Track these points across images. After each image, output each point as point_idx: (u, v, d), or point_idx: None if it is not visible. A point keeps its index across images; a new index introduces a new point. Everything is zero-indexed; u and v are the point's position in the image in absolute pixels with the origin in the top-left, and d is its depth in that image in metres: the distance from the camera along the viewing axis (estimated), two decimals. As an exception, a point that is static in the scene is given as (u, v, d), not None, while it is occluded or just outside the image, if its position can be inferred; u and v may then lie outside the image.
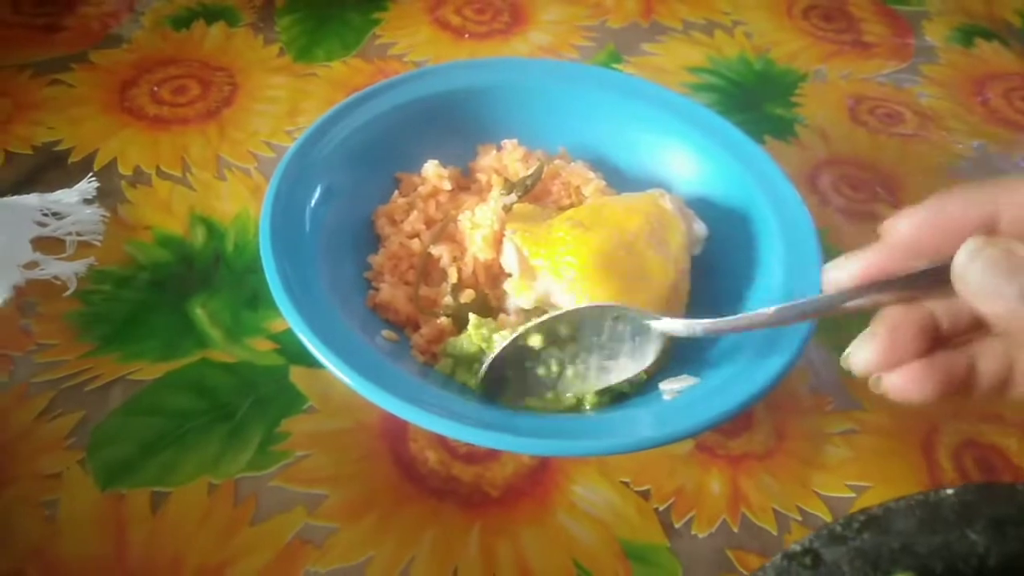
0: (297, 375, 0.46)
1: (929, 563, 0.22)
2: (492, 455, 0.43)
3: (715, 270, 0.48)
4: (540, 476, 0.43)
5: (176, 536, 0.39)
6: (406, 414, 0.37)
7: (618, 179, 0.52)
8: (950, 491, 0.23)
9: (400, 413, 0.37)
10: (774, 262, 0.46)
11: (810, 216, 0.47)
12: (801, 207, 0.47)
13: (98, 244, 0.51)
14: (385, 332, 0.44)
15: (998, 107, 0.67)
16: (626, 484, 0.42)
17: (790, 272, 0.44)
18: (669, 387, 0.41)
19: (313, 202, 0.47)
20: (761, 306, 0.38)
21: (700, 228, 0.48)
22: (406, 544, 0.40)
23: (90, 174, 0.54)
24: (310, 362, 0.45)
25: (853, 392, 0.47)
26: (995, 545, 0.22)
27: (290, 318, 0.40)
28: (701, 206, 0.50)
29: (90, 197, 0.53)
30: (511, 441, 0.37)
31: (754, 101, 0.65)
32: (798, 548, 0.21)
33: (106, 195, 0.54)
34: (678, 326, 0.38)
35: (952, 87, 0.68)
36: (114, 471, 0.41)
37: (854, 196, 0.58)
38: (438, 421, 0.37)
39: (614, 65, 0.66)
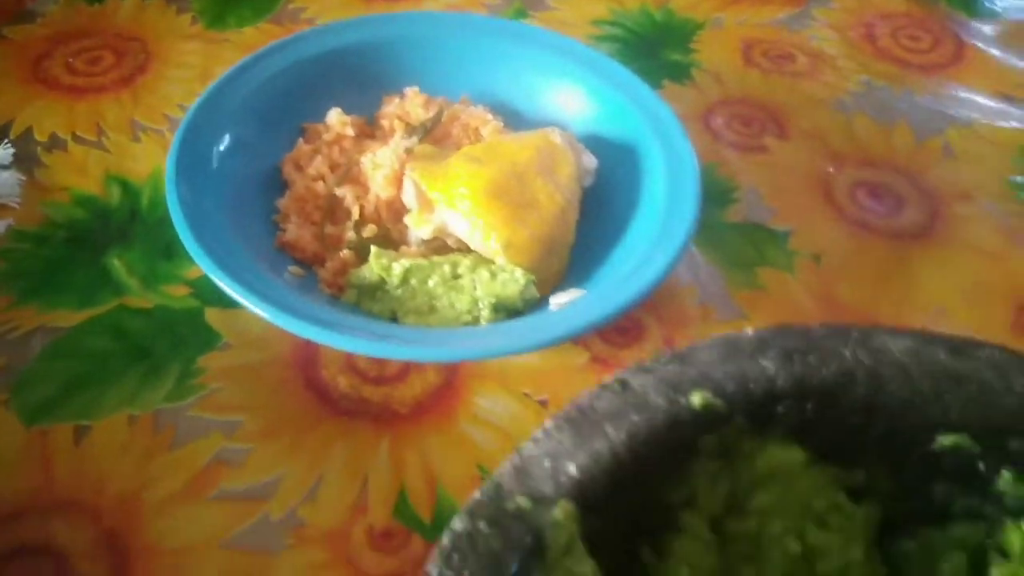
0: (212, 316, 0.49)
1: (724, 384, 0.25)
2: (400, 377, 0.47)
3: (606, 199, 0.52)
4: (445, 392, 0.46)
5: (99, 465, 0.42)
6: (317, 337, 0.41)
7: (516, 121, 0.55)
8: (749, 331, 0.27)
9: (311, 336, 0.41)
10: (658, 191, 0.49)
11: (692, 149, 0.51)
12: (685, 140, 0.51)
13: (15, 206, 0.53)
14: (292, 268, 0.47)
15: (886, 45, 0.72)
16: (527, 395, 0.46)
17: (671, 199, 0.48)
18: (557, 300, 0.45)
19: (219, 153, 0.50)
20: (642, 230, 0.42)
21: (589, 161, 0.51)
22: (318, 459, 0.43)
23: (5, 140, 0.56)
24: (224, 303, 0.48)
25: (737, 303, 0.51)
26: (783, 369, 0.26)
27: (199, 260, 0.43)
28: (594, 142, 0.53)
29: (6, 163, 0.55)
30: (413, 352, 0.41)
31: (654, 49, 0.69)
32: (610, 379, 0.25)
33: (22, 160, 0.56)
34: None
35: (843, 29, 0.73)
36: (37, 409, 0.44)
37: (745, 131, 0.63)
38: (347, 340, 0.41)
39: (520, 20, 0.69)
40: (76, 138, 0.58)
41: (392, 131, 0.53)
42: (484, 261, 0.46)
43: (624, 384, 0.25)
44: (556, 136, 0.51)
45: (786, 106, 0.65)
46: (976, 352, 0.27)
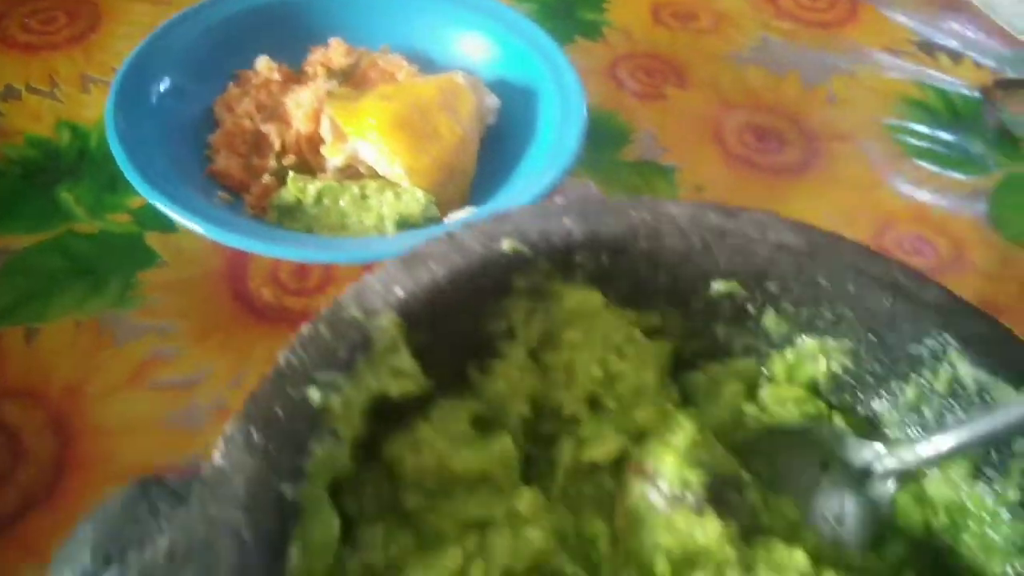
0: (151, 239, 0.55)
1: (530, 235, 0.32)
2: (319, 288, 0.54)
3: (507, 135, 0.59)
4: (355, 300, 0.53)
5: (47, 360, 0.49)
6: (246, 246, 0.48)
7: (431, 68, 0.62)
8: (559, 199, 0.34)
9: (241, 246, 0.48)
10: (551, 128, 0.57)
11: (582, 93, 0.58)
12: (577, 86, 0.58)
13: (-26, 147, 0.60)
14: (221, 194, 0.54)
15: (786, 6, 0.79)
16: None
17: (560, 135, 0.55)
18: (451, 217, 0.52)
19: (157, 94, 0.56)
20: (535, 161, 0.50)
21: (492, 101, 0.58)
22: (243, 358, 0.50)
23: (-36, 90, 0.63)
24: (162, 227, 0.55)
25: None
26: (579, 225, 0.33)
27: (136, 184, 0.49)
28: (498, 86, 0.60)
29: (-35, 110, 0.62)
30: (326, 255, 0.48)
31: (569, 9, 0.76)
32: (441, 233, 0.32)
33: (-20, 108, 0.62)
34: None
35: (747, -10, 0.80)
36: (-8, 315, 0.51)
37: (647, 81, 0.70)
38: (272, 248, 0.47)
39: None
40: (30, 88, 0.65)
41: (316, 77, 0.60)
42: (390, 184, 0.53)
43: (450, 235, 0.32)
44: (460, 78, 0.58)
45: (687, 59, 0.73)
46: (741, 214, 0.34)
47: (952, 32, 0.79)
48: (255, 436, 0.26)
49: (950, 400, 0.32)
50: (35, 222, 0.56)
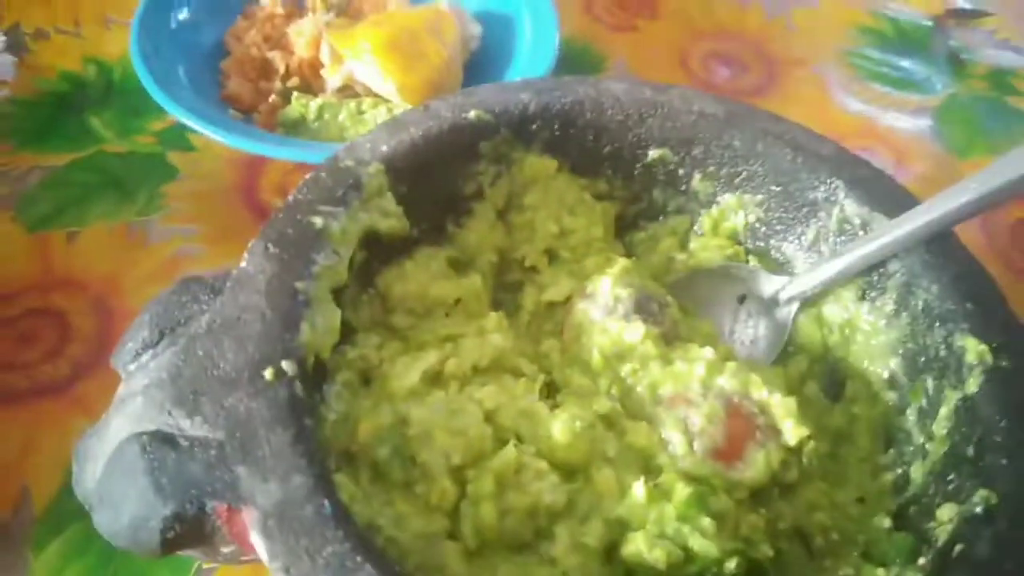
0: (172, 157, 0.63)
1: (493, 106, 0.40)
2: (321, 196, 0.61)
3: (489, 60, 0.66)
4: (355, 204, 0.61)
5: (87, 257, 0.57)
6: (261, 150, 0.55)
7: (421, 2, 0.69)
8: (518, 79, 0.42)
9: (257, 151, 0.55)
10: (526, 54, 0.64)
11: (556, 22, 0.65)
12: (552, 16, 0.65)
13: (10, 81, 0.68)
14: (233, 112, 0.62)
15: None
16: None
17: (534, 59, 0.62)
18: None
19: (174, 27, 0.64)
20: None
21: (474, 28, 0.66)
22: (256, 253, 0.58)
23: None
24: (182, 147, 0.63)
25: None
26: (534, 99, 0.41)
27: (160, 100, 0.57)
28: (481, 16, 0.68)
29: (1, 48, 0.69)
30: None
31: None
32: (420, 105, 0.40)
33: (13, 47, 0.70)
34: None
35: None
36: (37, 221, 0.59)
37: (621, 14, 0.77)
38: (282, 151, 0.55)
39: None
40: (58, 30, 0.72)
41: (315, 9, 0.67)
42: (383, 100, 0.61)
43: (426, 106, 0.40)
44: (444, 6, 0.65)
45: (659, -6, 0.79)
46: (671, 89, 0.42)
47: (910, -33, 0.85)
48: (271, 248, 0.34)
49: (841, 236, 0.39)
50: (70, 143, 0.64)
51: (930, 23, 0.79)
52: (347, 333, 0.36)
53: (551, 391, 0.38)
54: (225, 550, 0.30)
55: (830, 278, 0.39)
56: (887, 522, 0.33)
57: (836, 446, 0.37)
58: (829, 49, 0.76)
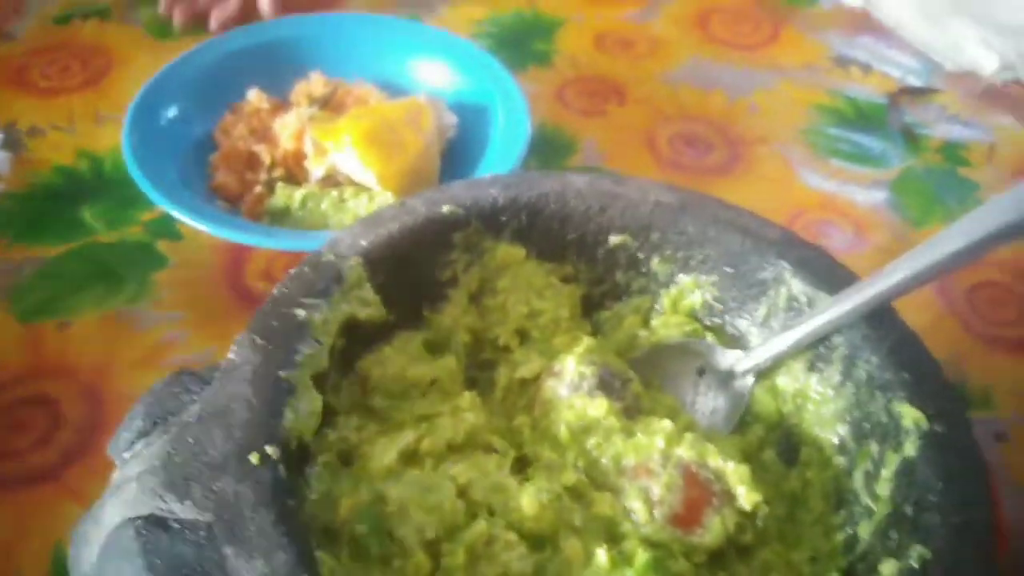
0: (161, 245, 0.67)
1: (464, 201, 0.44)
2: (305, 281, 0.65)
3: (464, 147, 0.71)
4: (337, 288, 0.64)
5: (77, 345, 0.60)
6: (247, 240, 0.59)
7: (399, 94, 0.75)
8: (488, 176, 0.46)
9: (243, 240, 0.59)
10: (499, 140, 0.68)
11: (527, 110, 0.70)
12: (522, 104, 0.70)
13: (6, 176, 0.72)
14: (220, 203, 0.66)
15: (715, 31, 0.92)
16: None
17: (507, 145, 0.67)
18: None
19: (165, 121, 0.68)
20: (487, 169, 0.62)
21: (450, 118, 0.71)
22: (242, 337, 0.61)
23: (-3, 130, 0.75)
24: (171, 236, 0.67)
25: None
26: (503, 193, 0.45)
27: (152, 196, 0.61)
28: (457, 107, 0.73)
29: (-2, 146, 0.74)
30: (310, 244, 0.59)
31: (523, 41, 0.89)
32: (395, 202, 0.43)
33: (10, 144, 0.75)
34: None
35: (681, 20, 0.93)
36: (29, 312, 0.62)
37: (590, 101, 0.82)
38: (269, 240, 0.59)
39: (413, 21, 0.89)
40: (53, 126, 0.77)
41: (299, 104, 0.72)
42: (364, 189, 0.65)
43: (402, 203, 0.43)
44: (422, 98, 0.70)
45: (627, 80, 0.85)
46: (629, 181, 0.46)
47: (864, 47, 0.91)
48: (258, 340, 0.37)
49: (789, 312, 0.43)
50: (62, 235, 0.67)
51: (885, 101, 0.84)
52: (328, 416, 0.39)
53: (522, 465, 0.40)
54: (214, 628, 0.32)
55: (781, 352, 0.42)
56: (837, 581, 0.36)
57: (792, 508, 0.40)
58: (790, 128, 0.81)
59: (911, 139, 0.81)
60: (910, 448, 0.36)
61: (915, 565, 0.32)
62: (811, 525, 0.39)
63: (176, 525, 0.31)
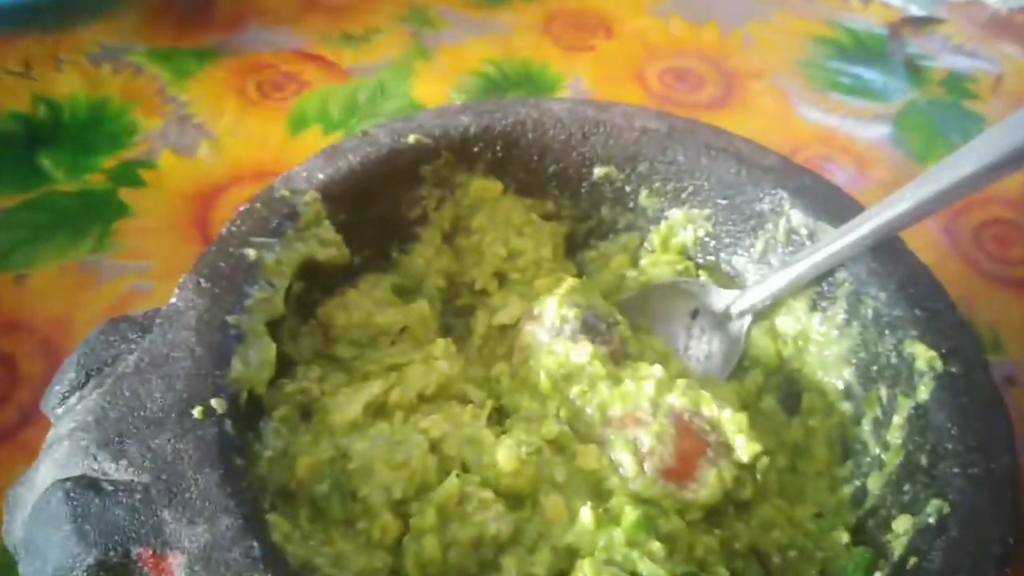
0: (124, 193, 0.62)
1: (432, 130, 0.40)
2: (276, 228, 0.61)
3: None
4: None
5: (35, 300, 0.56)
6: None
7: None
8: (458, 102, 0.41)
9: None
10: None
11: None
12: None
13: (-41, 124, 0.67)
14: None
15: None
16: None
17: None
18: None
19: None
20: None
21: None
22: (210, 288, 0.57)
23: (-53, 74, 0.70)
24: (133, 183, 0.62)
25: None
26: (475, 121, 0.40)
27: None
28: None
29: (-51, 92, 0.69)
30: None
31: None
32: (357, 131, 0.39)
33: (-36, 90, 0.70)
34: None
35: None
36: (-16, 264, 0.58)
37: (577, 35, 0.77)
38: None
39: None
40: (8, 72, 0.72)
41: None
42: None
43: (364, 132, 0.39)
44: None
45: (615, 13, 0.80)
46: (612, 107, 0.41)
47: (864, -24, 0.86)
48: (203, 283, 0.33)
49: (789, 247, 0.39)
50: (19, 184, 0.63)
51: (886, 31, 0.80)
52: (286, 367, 0.35)
53: (500, 417, 0.37)
54: (156, 599, 0.29)
55: (780, 289, 0.38)
56: (845, 537, 0.33)
57: (794, 460, 0.37)
58: (787, 60, 0.77)
59: (914, 71, 0.76)
60: (923, 392, 0.32)
61: (931, 520, 0.29)
62: (815, 477, 0.36)
63: (109, 487, 0.28)
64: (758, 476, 0.35)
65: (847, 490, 0.35)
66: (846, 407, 0.37)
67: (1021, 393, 0.53)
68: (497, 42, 0.76)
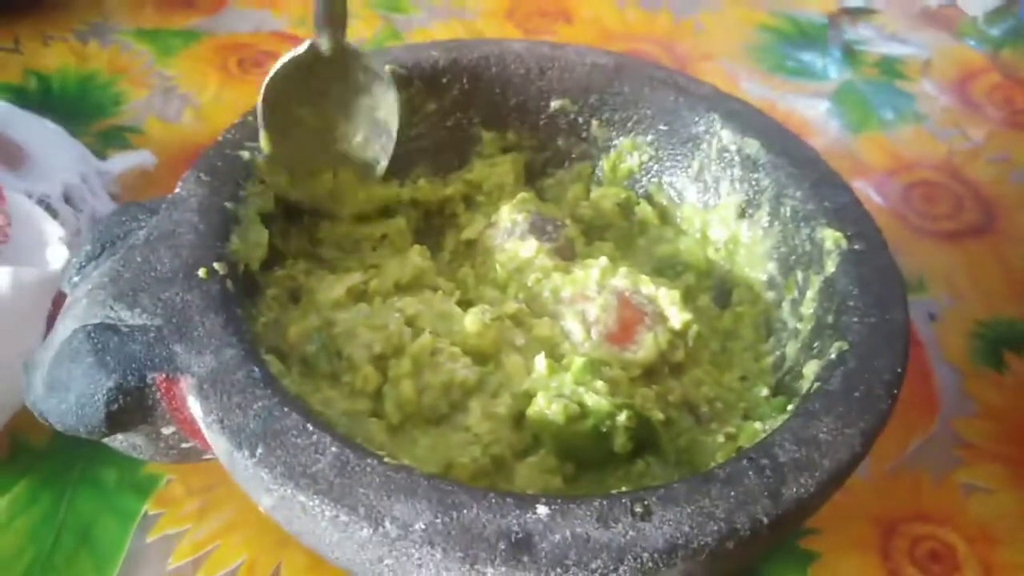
0: (111, 155, 0.67)
1: (406, 62, 0.45)
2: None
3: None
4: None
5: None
6: None
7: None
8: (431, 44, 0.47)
9: None
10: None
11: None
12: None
13: (-48, 94, 0.71)
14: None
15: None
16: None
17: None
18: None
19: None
20: None
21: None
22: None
23: (-60, 49, 0.75)
24: (122, 145, 0.67)
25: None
26: (443, 55, 0.46)
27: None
28: None
29: (-58, 65, 0.73)
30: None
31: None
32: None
33: (-45, 64, 0.74)
34: None
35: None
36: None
37: (540, 22, 0.84)
38: None
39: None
40: (-1, 48, 0.77)
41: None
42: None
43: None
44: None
45: (574, 1, 0.87)
46: (566, 46, 0.47)
47: (806, -29, 0.94)
48: (203, 176, 0.38)
49: (720, 163, 0.45)
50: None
51: (825, 20, 0.87)
52: (276, 258, 0.40)
53: (466, 308, 0.42)
54: (166, 431, 0.33)
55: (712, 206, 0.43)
56: (765, 391, 0.38)
57: (724, 341, 0.42)
58: (734, 46, 0.84)
59: (850, 55, 0.84)
60: (831, 266, 0.38)
61: (833, 357, 0.34)
62: (741, 352, 0.41)
63: (126, 329, 0.32)
64: (689, 342, 0.40)
65: (770, 360, 0.40)
66: (770, 295, 0.42)
67: (939, 326, 0.60)
68: (463, 27, 0.83)
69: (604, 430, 0.34)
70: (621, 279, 0.41)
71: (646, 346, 0.39)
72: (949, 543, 0.48)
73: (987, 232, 0.67)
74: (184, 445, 0.34)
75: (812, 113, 0.77)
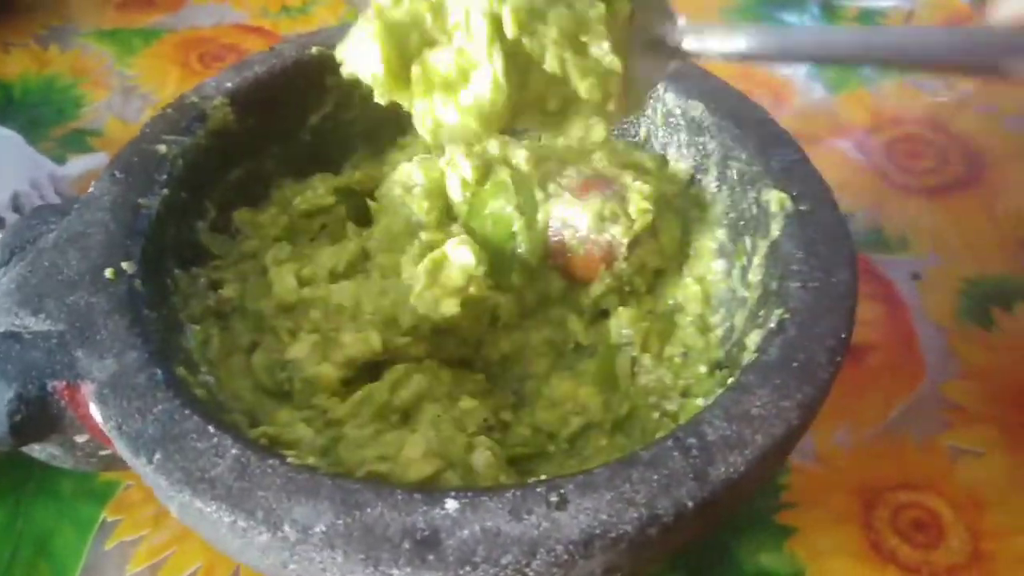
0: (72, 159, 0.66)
1: (335, 42, 0.43)
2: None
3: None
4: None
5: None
6: None
7: None
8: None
9: None
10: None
11: None
12: None
13: (-86, 106, 0.71)
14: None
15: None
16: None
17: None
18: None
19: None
20: None
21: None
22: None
23: (-99, 61, 0.74)
24: (82, 149, 0.66)
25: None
26: (375, 35, 0.44)
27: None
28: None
29: (-97, 78, 0.73)
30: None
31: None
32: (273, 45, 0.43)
33: (-83, 74, 0.74)
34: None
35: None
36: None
37: None
38: None
39: None
40: (-42, 57, 0.76)
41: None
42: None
43: (272, 47, 0.43)
44: None
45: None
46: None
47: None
48: (117, 174, 0.37)
49: (667, 128, 0.43)
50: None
51: (804, -23, 0.84)
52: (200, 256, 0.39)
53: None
54: (80, 439, 0.32)
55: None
56: (703, 368, 0.36)
57: (672, 316, 0.40)
58: (711, 10, 0.81)
59: (828, 11, 0.81)
60: (775, 230, 0.36)
61: (773, 326, 0.32)
62: (687, 326, 0.39)
63: (28, 336, 0.31)
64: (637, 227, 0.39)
65: (719, 332, 0.38)
66: (720, 264, 0.40)
67: (923, 285, 0.57)
68: (428, 6, 0.80)
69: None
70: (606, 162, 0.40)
71: (596, 205, 0.38)
72: (934, 510, 0.46)
73: (974, 185, 0.64)
74: (102, 453, 0.33)
75: (790, 73, 0.74)
